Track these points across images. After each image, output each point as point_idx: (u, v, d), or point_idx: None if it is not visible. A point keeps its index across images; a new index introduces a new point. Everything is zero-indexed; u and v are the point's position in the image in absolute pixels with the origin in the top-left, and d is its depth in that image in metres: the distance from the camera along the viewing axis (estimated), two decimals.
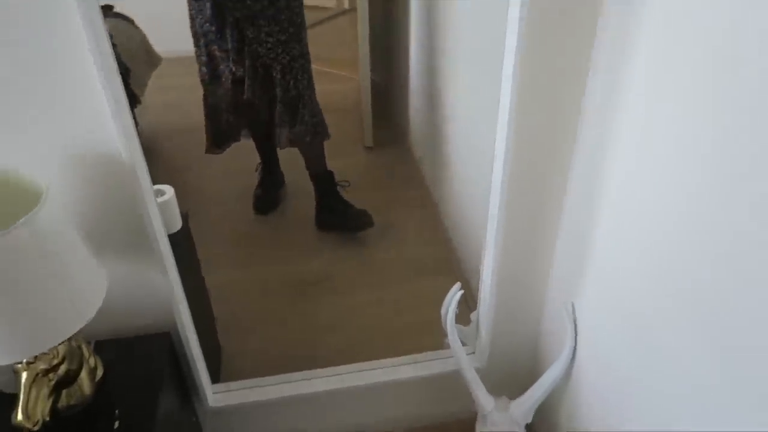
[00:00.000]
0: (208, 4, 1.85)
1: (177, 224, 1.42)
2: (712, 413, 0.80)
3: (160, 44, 2.74)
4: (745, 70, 0.68)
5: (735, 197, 0.72)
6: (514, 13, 0.96)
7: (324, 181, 2.24)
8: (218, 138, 2.12)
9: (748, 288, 0.70)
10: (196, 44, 1.96)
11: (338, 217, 2.23)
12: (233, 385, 1.42)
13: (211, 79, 1.98)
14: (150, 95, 2.61)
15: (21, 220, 0.78)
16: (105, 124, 0.92)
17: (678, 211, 0.84)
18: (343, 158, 2.72)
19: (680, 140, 0.81)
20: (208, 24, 1.89)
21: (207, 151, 2.15)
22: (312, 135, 2.04)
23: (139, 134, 2.07)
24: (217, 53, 1.92)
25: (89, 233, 1.03)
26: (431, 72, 2.20)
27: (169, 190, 1.39)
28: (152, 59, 2.57)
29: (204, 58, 1.96)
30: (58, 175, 0.96)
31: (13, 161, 0.88)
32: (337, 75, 3.47)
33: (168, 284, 1.14)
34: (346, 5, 4.26)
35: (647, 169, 0.91)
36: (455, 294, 1.31)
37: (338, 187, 2.26)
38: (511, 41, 1.00)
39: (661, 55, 0.85)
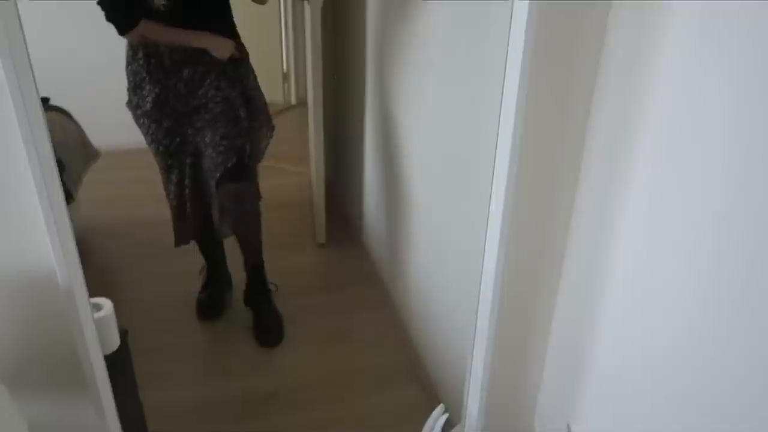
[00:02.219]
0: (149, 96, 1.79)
1: (114, 343, 1.23)
2: None
3: (96, 138, 2.61)
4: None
5: (746, 316, 0.65)
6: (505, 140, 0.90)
7: (253, 273, 2.09)
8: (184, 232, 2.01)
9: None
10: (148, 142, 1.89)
11: (256, 309, 2.10)
12: None
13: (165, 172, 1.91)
14: (85, 190, 2.44)
15: None
16: (38, 237, 0.77)
17: (685, 324, 0.77)
18: (295, 256, 2.58)
19: (678, 259, 0.75)
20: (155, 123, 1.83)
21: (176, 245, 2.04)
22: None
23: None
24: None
25: (8, 366, 0.85)
26: (388, 167, 2.14)
27: (106, 305, 1.21)
28: (89, 154, 2.42)
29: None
30: None
31: None
32: (286, 170, 3.39)
33: (103, 422, 0.95)
34: (293, 101, 4.29)
35: (644, 285, 0.84)
36: (439, 417, 1.17)
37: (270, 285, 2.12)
38: (503, 158, 0.93)
39: (661, 158, 0.80)
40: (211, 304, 2.16)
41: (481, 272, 1.06)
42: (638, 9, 0.83)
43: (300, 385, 1.86)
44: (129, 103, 1.86)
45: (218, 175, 1.85)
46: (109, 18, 1.67)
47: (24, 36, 0.74)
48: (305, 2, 2.23)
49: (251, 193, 1.96)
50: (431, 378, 1.82)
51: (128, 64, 1.80)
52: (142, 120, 1.84)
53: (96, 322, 1.12)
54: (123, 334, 1.28)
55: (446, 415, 1.18)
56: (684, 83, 0.77)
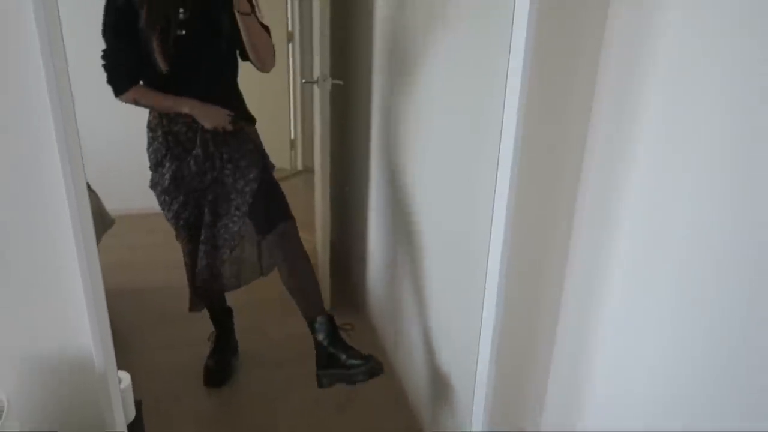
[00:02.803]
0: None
1: (131, 415, 1.28)
2: None
3: (111, 202, 2.69)
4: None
5: (748, 319, 0.70)
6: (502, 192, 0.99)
7: (324, 328, 1.97)
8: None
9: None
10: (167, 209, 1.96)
11: (340, 367, 1.92)
12: None
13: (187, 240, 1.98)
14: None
15: None
16: (79, 322, 0.84)
17: (686, 326, 0.82)
18: (299, 323, 2.62)
19: (669, 282, 0.81)
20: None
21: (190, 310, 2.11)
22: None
23: None
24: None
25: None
26: (392, 237, 2.23)
27: (125, 378, 1.27)
28: (105, 222, 2.50)
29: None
30: (17, 380, 0.86)
31: None
32: None
33: None
34: (300, 167, 4.42)
35: (648, 287, 0.89)
36: None
37: (341, 332, 2.01)
38: (498, 227, 1.02)
39: (653, 182, 0.87)
40: (218, 370, 2.20)
41: (484, 290, 1.11)
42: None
43: None
44: (151, 182, 1.94)
45: (263, 230, 1.95)
46: (108, 80, 1.77)
47: (77, 127, 0.83)
48: (314, 85, 2.37)
49: (295, 235, 1.98)
50: None
51: (149, 145, 1.90)
52: (162, 197, 1.93)
53: None
54: (138, 404, 1.34)
55: None
56: (682, 81, 0.83)
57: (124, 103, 1.80)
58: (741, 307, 0.73)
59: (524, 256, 1.07)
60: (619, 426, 0.99)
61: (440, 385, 1.81)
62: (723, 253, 0.75)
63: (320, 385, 1.91)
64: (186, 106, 1.81)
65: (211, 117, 1.83)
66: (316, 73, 2.36)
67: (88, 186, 2.54)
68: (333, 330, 1.97)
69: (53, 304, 0.85)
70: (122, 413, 0.96)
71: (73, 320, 0.85)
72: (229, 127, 1.86)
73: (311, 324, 1.96)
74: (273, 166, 2.04)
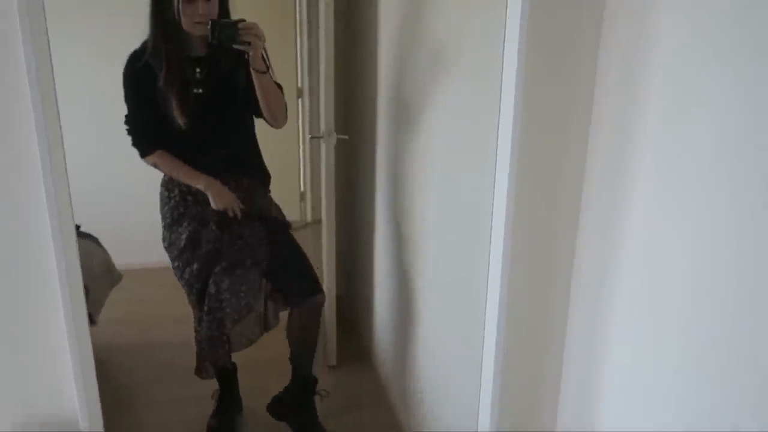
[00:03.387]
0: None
1: None
2: None
3: (118, 256, 2.71)
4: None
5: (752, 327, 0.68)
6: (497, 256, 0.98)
7: (305, 382, 2.12)
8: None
9: None
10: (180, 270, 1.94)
11: (299, 421, 2.12)
12: None
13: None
14: (105, 308, 2.52)
15: None
16: (66, 391, 0.84)
17: (695, 332, 0.80)
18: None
19: (678, 291, 0.79)
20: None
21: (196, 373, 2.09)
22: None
23: None
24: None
25: None
26: (398, 290, 2.21)
27: None
28: (113, 278, 2.53)
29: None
30: None
31: None
32: None
33: None
34: (309, 219, 4.46)
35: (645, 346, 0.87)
36: None
37: (316, 396, 2.16)
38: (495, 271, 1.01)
39: (660, 181, 0.86)
40: (221, 429, 2.16)
41: (485, 312, 1.09)
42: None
43: None
44: (165, 242, 1.94)
45: (294, 303, 2.01)
46: (133, 143, 1.82)
47: (68, 180, 0.84)
48: (320, 140, 2.41)
49: (323, 302, 2.09)
50: None
51: (164, 203, 1.91)
52: (176, 263, 1.91)
53: None
54: None
55: None
56: (682, 83, 0.84)
57: (147, 164, 1.86)
58: (755, 303, 0.72)
59: (528, 266, 1.06)
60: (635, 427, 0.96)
61: None
62: (734, 250, 0.74)
63: (270, 408, 2.15)
64: (202, 183, 1.84)
65: (222, 199, 1.85)
66: (323, 128, 2.41)
67: (97, 242, 2.58)
68: (311, 390, 2.14)
69: (42, 372, 0.84)
70: None
71: (62, 389, 0.85)
72: (238, 213, 1.88)
73: (295, 373, 2.12)
74: (290, 225, 2.07)
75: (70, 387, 0.85)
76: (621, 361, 0.98)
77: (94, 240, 2.50)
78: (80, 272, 0.83)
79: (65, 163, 0.85)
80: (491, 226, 1.06)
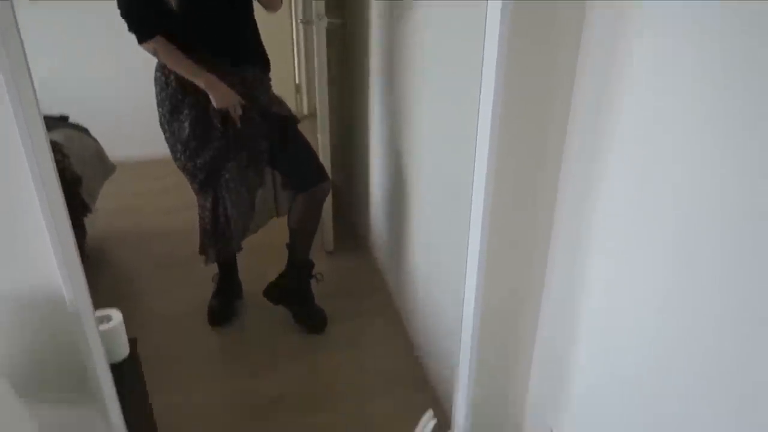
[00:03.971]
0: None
1: (123, 352, 1.31)
2: None
3: (113, 150, 2.70)
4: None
5: (717, 313, 0.69)
6: (483, 146, 0.96)
7: (301, 267, 2.18)
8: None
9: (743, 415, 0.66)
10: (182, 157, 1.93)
11: (297, 304, 2.20)
12: None
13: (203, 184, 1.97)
14: (101, 201, 2.54)
15: None
16: (47, 262, 0.84)
17: (653, 335, 0.81)
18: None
19: (654, 269, 0.79)
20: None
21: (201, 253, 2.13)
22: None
23: (86, 243, 1.99)
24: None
25: (18, 374, 0.92)
26: (393, 177, 2.21)
27: (116, 316, 1.29)
28: (106, 168, 2.51)
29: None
30: None
31: None
32: None
33: (108, 428, 1.02)
34: (305, 111, 4.38)
35: (627, 284, 0.88)
36: (427, 423, 1.22)
37: (312, 279, 2.22)
38: (482, 153, 0.99)
39: (636, 162, 0.84)
40: (222, 311, 2.24)
41: (464, 284, 1.11)
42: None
43: (305, 390, 1.92)
44: (164, 130, 1.90)
45: (300, 187, 2.03)
46: (130, 28, 1.73)
47: (24, 51, 0.80)
48: (312, 25, 2.30)
49: (330, 189, 2.14)
50: (432, 383, 1.87)
51: (161, 89, 1.85)
52: (179, 154, 1.89)
53: (105, 333, 1.19)
54: (132, 342, 1.36)
55: (435, 421, 1.23)
56: (657, 78, 0.80)
57: (144, 49, 1.77)
58: (721, 307, 0.71)
59: (509, 190, 1.04)
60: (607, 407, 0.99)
61: (435, 327, 1.82)
62: (697, 253, 0.73)
63: (266, 293, 2.20)
64: (202, 81, 1.77)
65: (224, 99, 1.80)
66: (314, 11, 2.29)
67: (88, 132, 2.56)
68: (308, 274, 2.19)
69: (19, 241, 0.84)
70: (100, 349, 0.97)
71: (41, 258, 0.85)
72: (239, 111, 1.83)
73: (292, 259, 2.16)
74: (298, 120, 2.05)
75: (51, 258, 0.85)
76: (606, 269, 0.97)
77: (83, 131, 2.47)
78: (45, 135, 0.80)
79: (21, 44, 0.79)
80: (478, 114, 1.01)
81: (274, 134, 1.94)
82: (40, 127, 0.79)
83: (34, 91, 0.80)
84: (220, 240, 2.05)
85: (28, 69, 0.80)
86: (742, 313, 0.67)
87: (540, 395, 1.22)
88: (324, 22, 2.31)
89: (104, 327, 1.20)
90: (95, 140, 2.53)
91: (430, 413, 1.24)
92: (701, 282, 0.72)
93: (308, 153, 2.05)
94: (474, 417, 1.24)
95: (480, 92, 0.98)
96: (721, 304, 0.70)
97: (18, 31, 0.78)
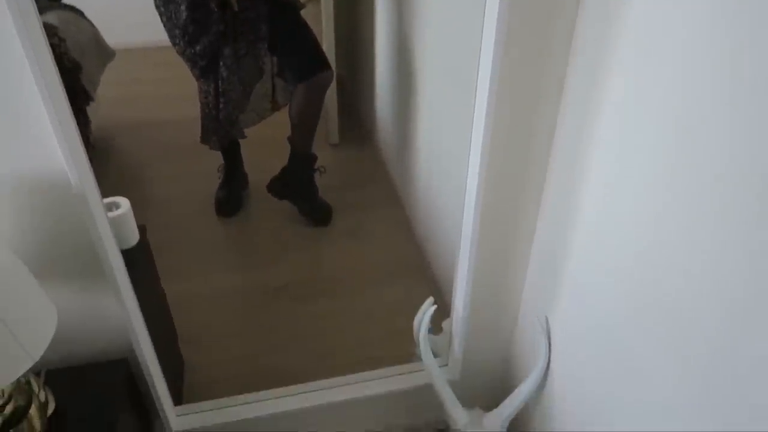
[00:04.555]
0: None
1: (133, 239, 1.34)
2: (682, 427, 0.80)
3: (112, 36, 2.61)
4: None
5: (708, 213, 0.70)
6: (489, 34, 0.92)
7: (303, 161, 2.18)
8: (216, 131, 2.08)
9: (721, 304, 0.70)
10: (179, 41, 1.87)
11: (301, 198, 2.22)
12: (197, 406, 1.35)
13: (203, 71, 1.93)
14: (102, 89, 2.49)
15: None
16: (49, 145, 0.84)
17: (651, 225, 0.82)
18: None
19: (655, 157, 0.79)
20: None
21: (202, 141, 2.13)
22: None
23: (91, 133, 1.98)
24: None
25: (33, 260, 0.96)
26: (399, 68, 2.15)
27: (124, 203, 1.31)
28: (105, 54, 2.44)
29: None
30: None
31: None
32: None
33: (123, 309, 1.07)
34: None
35: (622, 182, 0.89)
36: (428, 309, 1.27)
37: (315, 173, 2.23)
38: (487, 52, 0.95)
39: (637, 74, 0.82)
40: (228, 201, 2.27)
41: (467, 174, 1.11)
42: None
43: (309, 279, 1.99)
44: (159, 11, 1.83)
45: (300, 76, 1.97)
46: None
47: None
48: None
49: (332, 78, 2.08)
50: (434, 273, 1.93)
51: None
52: (177, 39, 1.83)
53: (114, 219, 1.22)
54: (142, 230, 1.39)
55: (434, 307, 1.28)
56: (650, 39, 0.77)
57: None
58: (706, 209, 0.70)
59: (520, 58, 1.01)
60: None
61: (439, 217, 1.84)
62: (687, 160, 0.69)
63: (270, 188, 2.19)
64: None
65: None
66: None
67: (82, 15, 2.45)
68: (310, 167, 2.19)
69: (21, 124, 0.83)
70: (110, 234, 0.99)
71: (43, 141, 0.85)
72: None
73: (294, 152, 2.15)
74: (302, 5, 1.96)
75: (53, 140, 0.85)
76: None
77: (78, 12, 2.37)
78: (38, 19, 0.77)
79: None
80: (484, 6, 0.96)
81: (275, 19, 1.86)
82: (31, 4, 0.76)
83: None
84: (220, 127, 2.04)
85: None
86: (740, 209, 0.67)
87: (536, 284, 1.26)
88: None
89: (113, 214, 1.23)
90: (91, 23, 2.44)
91: (430, 300, 1.29)
92: (700, 176, 0.72)
93: (310, 40, 1.97)
94: (472, 304, 1.30)
95: None
96: (720, 203, 0.70)
97: None
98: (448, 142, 1.72)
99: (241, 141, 2.26)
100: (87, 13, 2.47)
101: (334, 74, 2.11)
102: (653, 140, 0.81)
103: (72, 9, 2.35)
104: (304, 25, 1.96)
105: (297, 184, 2.20)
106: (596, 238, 0.99)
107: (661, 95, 0.78)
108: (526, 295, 1.32)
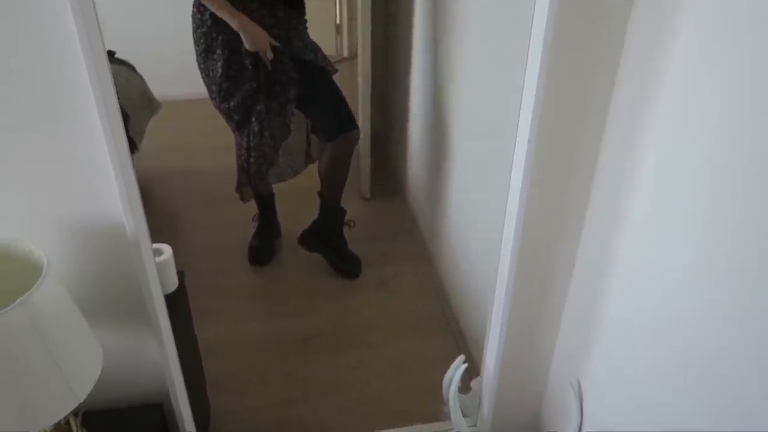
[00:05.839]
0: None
1: (173, 285, 1.38)
2: None
3: (157, 87, 2.74)
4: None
5: (749, 275, 0.70)
6: (529, 95, 0.96)
7: (333, 214, 2.23)
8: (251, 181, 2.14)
9: (763, 371, 0.69)
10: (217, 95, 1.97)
11: (331, 250, 2.25)
12: None
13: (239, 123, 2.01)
14: (146, 138, 2.60)
15: (18, 300, 0.75)
16: (109, 192, 0.89)
17: (688, 289, 0.82)
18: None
19: (692, 215, 0.80)
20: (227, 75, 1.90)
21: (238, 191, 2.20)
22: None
23: None
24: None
25: (83, 300, 1.00)
26: (433, 125, 2.21)
27: (166, 250, 1.36)
28: (151, 105, 2.56)
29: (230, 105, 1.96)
30: (56, 246, 0.93)
31: (9, 230, 0.85)
32: None
33: (163, 355, 1.10)
34: (346, 53, 4.33)
35: (657, 245, 0.90)
36: (459, 367, 1.27)
37: (345, 227, 2.27)
38: (526, 115, 0.99)
39: (674, 141, 0.84)
40: (261, 250, 2.32)
41: (503, 227, 1.13)
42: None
43: (338, 330, 2.00)
44: (199, 67, 1.94)
45: (329, 137, 2.04)
46: None
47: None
48: None
49: (358, 138, 2.13)
50: (462, 329, 1.93)
51: (197, 26, 1.87)
52: (214, 93, 1.94)
53: (158, 265, 1.26)
54: (180, 276, 1.43)
55: (465, 365, 1.28)
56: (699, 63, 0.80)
57: None
58: (748, 271, 0.71)
59: (558, 108, 1.04)
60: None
61: (468, 274, 1.85)
62: (732, 218, 0.72)
63: (301, 240, 2.24)
64: (236, 22, 1.78)
65: (256, 41, 1.81)
66: None
67: (133, 69, 2.60)
68: (340, 221, 2.23)
69: (83, 171, 0.89)
70: (157, 280, 1.04)
71: (104, 190, 0.90)
72: (270, 55, 1.84)
73: (324, 206, 2.20)
74: (335, 70, 2.03)
75: (113, 191, 0.90)
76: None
77: (129, 67, 2.51)
78: (108, 67, 0.83)
79: None
80: (525, 66, 1.01)
81: (306, 81, 1.94)
82: (104, 59, 0.82)
83: (99, 25, 0.83)
84: (251, 180, 2.11)
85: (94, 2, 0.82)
86: None
87: (568, 346, 1.25)
88: None
89: (157, 260, 1.27)
90: (141, 77, 2.57)
91: (461, 358, 1.29)
92: (740, 239, 0.73)
93: (338, 100, 2.04)
94: (503, 365, 1.29)
95: (528, 44, 0.98)
96: (760, 268, 0.71)
97: None
98: (480, 199, 1.75)
99: (275, 192, 2.33)
100: (137, 67, 2.62)
101: (360, 134, 2.15)
102: (689, 207, 0.82)
103: (125, 63, 2.48)
104: (334, 88, 2.03)
105: (327, 236, 2.25)
106: (630, 299, 1.00)
107: (696, 170, 0.80)
108: (557, 357, 1.31)
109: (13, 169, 0.87)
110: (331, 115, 2.04)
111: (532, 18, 0.96)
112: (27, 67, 0.82)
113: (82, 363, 0.86)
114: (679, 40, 0.82)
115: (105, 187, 0.90)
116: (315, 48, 1.98)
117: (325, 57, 2.01)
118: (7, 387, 0.78)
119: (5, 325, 0.74)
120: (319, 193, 2.21)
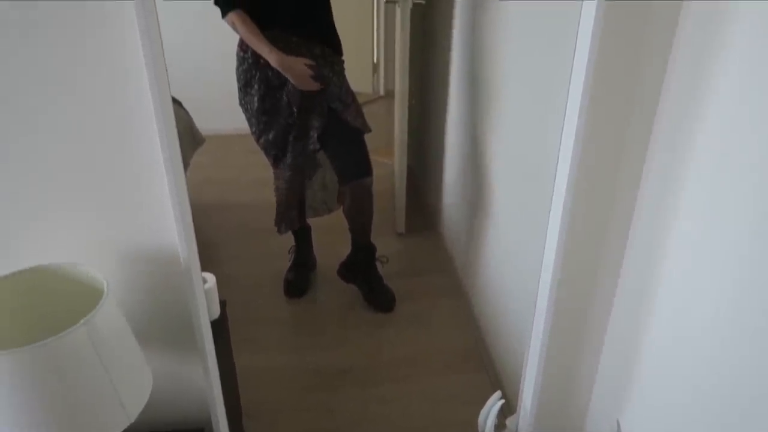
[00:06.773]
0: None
1: (216, 312, 1.42)
2: None
3: (202, 121, 2.85)
4: None
5: None
6: (569, 138, 0.98)
7: (364, 251, 2.27)
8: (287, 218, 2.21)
9: None
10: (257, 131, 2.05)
11: (364, 284, 2.30)
12: None
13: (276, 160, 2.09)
14: (189, 171, 2.69)
15: (81, 321, 0.79)
16: (166, 221, 0.94)
17: (729, 332, 0.82)
18: (374, 243, 2.74)
19: (735, 252, 0.81)
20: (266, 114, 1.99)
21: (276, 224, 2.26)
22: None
23: None
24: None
25: (136, 324, 1.04)
26: (469, 160, 2.24)
27: (210, 279, 1.40)
28: (196, 140, 2.66)
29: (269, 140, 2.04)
30: (113, 271, 0.98)
31: (73, 255, 0.90)
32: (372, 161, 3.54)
33: (208, 381, 1.13)
34: (382, 92, 4.43)
35: (699, 286, 0.90)
36: (495, 403, 1.27)
37: (377, 262, 2.31)
38: (566, 153, 1.01)
39: (712, 183, 0.85)
40: (297, 282, 2.36)
41: (541, 267, 1.15)
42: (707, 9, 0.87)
43: (372, 363, 2.01)
44: (240, 102, 2.03)
45: (344, 179, 2.09)
46: (215, 2, 1.84)
47: (161, 40, 0.89)
48: (396, 4, 2.34)
49: (371, 185, 2.16)
50: (496, 366, 1.92)
51: (239, 64, 1.97)
52: (252, 126, 2.03)
53: (204, 293, 1.31)
54: (222, 304, 1.48)
55: (502, 401, 1.28)
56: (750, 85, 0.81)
57: (227, 24, 1.88)
58: None
59: (599, 147, 1.05)
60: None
61: (504, 310, 1.85)
62: None
63: (339, 272, 2.32)
64: (273, 58, 1.85)
65: (297, 74, 1.88)
66: None
67: (180, 105, 2.71)
68: (371, 257, 2.29)
69: (144, 204, 0.94)
70: (205, 307, 1.07)
71: (161, 220, 0.95)
72: (315, 86, 1.91)
73: (355, 242, 2.26)
74: (368, 129, 2.09)
75: (169, 222, 0.95)
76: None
77: (177, 103, 2.62)
78: (174, 120, 0.89)
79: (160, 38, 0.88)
80: (566, 105, 1.04)
81: (330, 127, 2.01)
82: (169, 102, 0.88)
83: (165, 68, 0.89)
84: (286, 214, 2.17)
85: (161, 44, 0.88)
86: None
87: (606, 386, 1.24)
88: (409, 2, 2.34)
89: (204, 287, 1.32)
90: (187, 112, 2.68)
91: (497, 395, 1.29)
92: None
93: (355, 146, 2.08)
94: (540, 403, 1.28)
95: (569, 85, 1.00)
96: None
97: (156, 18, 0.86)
98: (516, 237, 1.76)
99: (312, 225, 2.38)
100: (184, 102, 2.73)
101: (373, 181, 2.16)
102: (731, 246, 0.83)
103: (173, 99, 2.59)
104: (353, 134, 2.07)
105: (360, 271, 2.28)
106: (672, 337, 0.99)
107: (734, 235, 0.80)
108: (596, 395, 1.30)
109: (81, 199, 0.93)
110: (345, 160, 2.09)
111: (572, 62, 0.99)
112: (100, 108, 0.88)
113: (134, 384, 0.89)
114: (713, 101, 0.84)
115: (162, 218, 0.95)
116: (347, 101, 2.02)
117: (356, 110, 2.05)
118: (65, 403, 0.81)
119: (69, 343, 0.78)
120: (350, 230, 2.26)
